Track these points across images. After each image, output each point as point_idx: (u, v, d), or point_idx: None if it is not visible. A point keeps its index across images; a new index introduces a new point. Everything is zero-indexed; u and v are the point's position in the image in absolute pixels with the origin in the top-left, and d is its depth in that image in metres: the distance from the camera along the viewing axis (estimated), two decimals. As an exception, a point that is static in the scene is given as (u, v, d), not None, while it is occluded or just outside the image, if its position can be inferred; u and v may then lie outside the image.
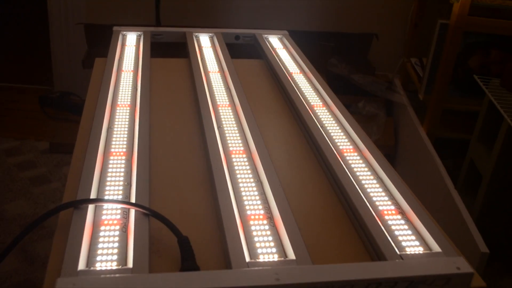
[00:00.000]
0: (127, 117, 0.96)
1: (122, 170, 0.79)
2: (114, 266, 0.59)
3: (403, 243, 0.66)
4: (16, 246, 0.68)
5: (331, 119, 1.02)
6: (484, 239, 1.21)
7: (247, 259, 0.61)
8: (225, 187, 0.74)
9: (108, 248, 0.62)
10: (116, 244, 0.62)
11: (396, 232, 0.68)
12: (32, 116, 2.39)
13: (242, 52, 1.46)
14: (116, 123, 0.94)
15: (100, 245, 0.62)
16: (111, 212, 0.68)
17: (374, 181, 0.80)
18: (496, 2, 1.56)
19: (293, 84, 1.16)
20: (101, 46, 1.27)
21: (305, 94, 1.13)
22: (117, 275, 0.56)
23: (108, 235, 0.64)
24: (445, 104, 1.69)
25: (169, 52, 1.41)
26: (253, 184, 0.77)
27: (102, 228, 0.65)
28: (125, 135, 0.89)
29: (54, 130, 2.24)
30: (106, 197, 0.71)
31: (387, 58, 2.34)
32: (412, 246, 0.66)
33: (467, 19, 1.55)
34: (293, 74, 1.24)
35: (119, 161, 0.81)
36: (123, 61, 1.24)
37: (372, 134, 1.93)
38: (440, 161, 1.55)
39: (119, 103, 1.02)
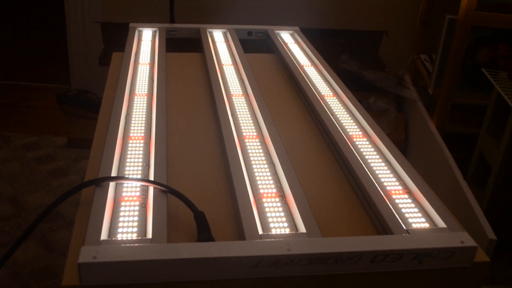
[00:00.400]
0: (145, 105, 1.00)
1: (141, 152, 0.82)
2: (134, 237, 0.62)
3: (410, 220, 0.69)
4: (40, 221, 0.72)
5: (341, 107, 1.05)
6: (493, 229, 1.23)
7: (260, 231, 0.64)
8: (239, 168, 0.77)
9: (128, 221, 0.65)
10: (136, 218, 0.66)
11: (403, 210, 0.71)
12: (50, 113, 2.45)
13: (255, 48, 1.50)
14: (134, 110, 0.98)
15: (121, 219, 0.66)
16: (131, 190, 0.72)
17: (383, 164, 0.83)
18: (504, -3, 1.59)
19: (304, 76, 1.19)
20: (117, 44, 1.31)
21: (316, 84, 1.16)
22: (137, 244, 0.59)
23: (128, 209, 0.68)
24: (454, 98, 1.71)
25: (183, 48, 1.45)
26: (266, 166, 0.80)
27: (123, 203, 0.69)
28: (143, 121, 0.93)
29: (71, 126, 2.29)
30: (126, 176, 0.75)
31: (397, 55, 2.37)
32: (418, 222, 0.68)
33: (474, 14, 1.57)
34: (304, 67, 1.28)
35: (137, 145, 0.85)
36: (139, 55, 1.28)
37: (383, 129, 1.95)
38: (450, 153, 1.57)
39: (136, 92, 1.06)
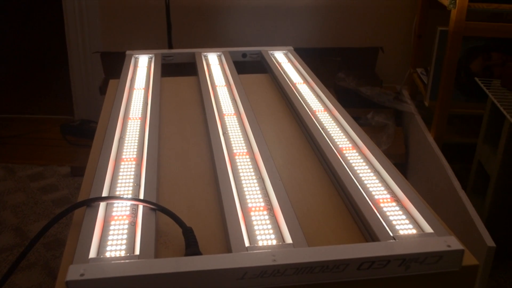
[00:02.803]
0: (138, 128, 1.02)
1: (132, 173, 0.84)
2: (122, 254, 0.63)
3: (397, 226, 0.69)
4: (33, 246, 0.73)
5: (332, 121, 1.06)
6: (494, 238, 1.22)
7: (247, 244, 0.65)
8: (227, 183, 0.78)
9: (117, 239, 0.66)
10: (124, 236, 0.67)
11: (391, 217, 0.71)
12: (54, 143, 2.48)
13: (250, 70, 1.52)
14: (127, 133, 0.99)
15: (110, 237, 0.67)
16: (121, 209, 0.73)
17: (371, 174, 0.84)
18: (491, 7, 1.60)
19: (295, 92, 1.21)
20: (118, 73, 1.34)
21: (307, 100, 1.17)
22: (124, 261, 0.60)
23: (117, 228, 0.69)
24: (450, 109, 1.72)
25: (180, 73, 1.47)
26: (255, 181, 0.81)
27: (112, 222, 0.70)
28: (136, 144, 0.95)
29: (75, 155, 2.32)
30: (116, 196, 0.76)
31: (394, 70, 2.39)
32: (405, 228, 0.69)
33: (465, 24, 1.59)
34: (296, 84, 1.29)
35: (129, 166, 0.86)
36: (135, 80, 1.30)
37: (382, 144, 1.96)
38: (448, 164, 1.57)
39: (130, 116, 1.08)
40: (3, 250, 1.70)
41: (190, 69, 1.49)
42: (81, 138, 2.50)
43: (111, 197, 0.75)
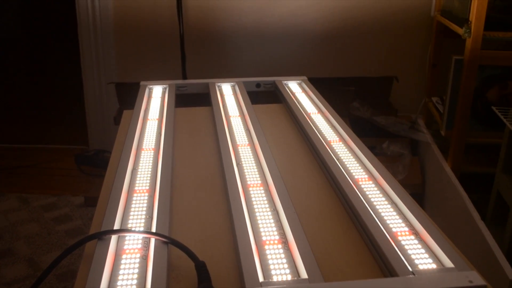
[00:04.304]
0: (151, 159, 1.01)
1: (145, 205, 0.83)
2: (133, 290, 0.62)
3: (416, 261, 0.67)
4: (43, 280, 0.72)
5: (347, 151, 1.05)
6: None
7: (261, 279, 0.63)
8: (241, 215, 0.77)
9: (128, 273, 0.65)
10: (136, 271, 0.65)
11: (409, 251, 0.69)
12: (68, 173, 2.49)
13: (264, 99, 1.52)
14: (140, 164, 0.99)
15: (121, 271, 0.65)
16: (132, 242, 0.72)
17: (389, 206, 0.82)
18: (507, 35, 1.59)
19: (310, 123, 1.20)
20: (132, 103, 1.35)
21: (322, 130, 1.16)
22: (135, 296, 0.59)
23: (129, 262, 0.67)
24: (467, 138, 1.70)
25: (194, 103, 1.48)
26: (269, 213, 0.80)
27: (124, 256, 0.69)
28: (149, 175, 0.94)
29: (89, 185, 2.32)
30: (128, 229, 0.75)
31: (409, 99, 2.37)
32: (424, 263, 0.66)
33: (480, 53, 1.58)
34: (311, 114, 1.28)
35: (142, 198, 0.85)
36: (149, 111, 1.31)
37: (398, 174, 1.94)
38: (466, 194, 1.54)
39: (144, 147, 1.08)
40: (15, 281, 1.69)
41: (204, 99, 1.49)
42: (95, 168, 2.50)
43: (122, 230, 0.73)
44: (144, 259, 0.68)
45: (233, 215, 0.77)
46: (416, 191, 2.02)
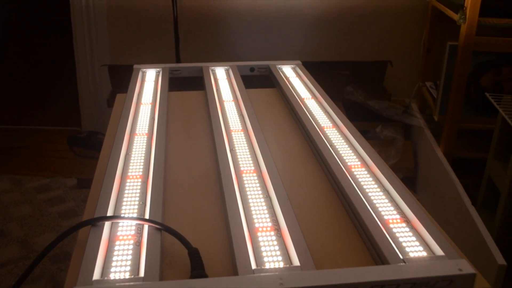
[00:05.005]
0: (144, 144, 1.01)
1: (138, 191, 0.83)
2: (127, 276, 0.62)
3: (407, 248, 0.68)
4: (38, 264, 0.72)
5: (340, 138, 1.05)
6: (504, 254, 1.20)
7: (253, 266, 0.63)
8: (234, 202, 0.77)
9: (122, 260, 0.65)
10: (129, 257, 0.66)
11: (400, 239, 0.70)
12: (61, 155, 2.48)
13: (259, 84, 1.51)
14: (133, 149, 0.99)
15: (114, 258, 0.66)
16: (126, 229, 0.72)
17: (381, 193, 0.82)
18: (502, 22, 1.59)
19: (304, 108, 1.20)
20: (125, 86, 1.34)
21: (316, 116, 1.16)
22: (128, 283, 0.59)
23: (122, 248, 0.68)
24: (460, 123, 1.71)
25: (188, 87, 1.47)
26: (262, 200, 0.80)
27: (117, 243, 0.69)
28: (142, 160, 0.94)
29: (81, 167, 2.32)
30: (121, 215, 0.75)
31: (402, 84, 2.37)
32: (415, 251, 0.67)
33: (475, 39, 1.58)
34: (305, 100, 1.28)
35: (135, 183, 0.85)
36: (142, 95, 1.30)
37: (391, 158, 1.95)
38: (458, 179, 1.55)
39: (137, 132, 1.07)
40: (8, 263, 1.70)
41: (198, 82, 1.48)
42: (88, 150, 2.50)
43: (116, 216, 0.74)
44: (137, 245, 0.68)
45: (226, 201, 0.78)
46: (408, 175, 2.04)
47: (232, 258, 0.67)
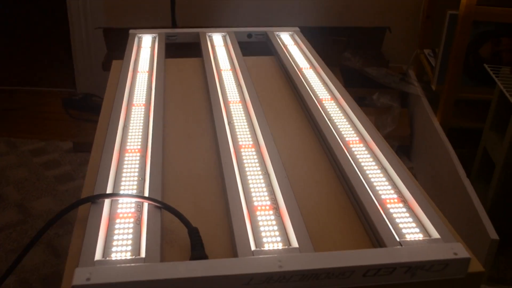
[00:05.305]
0: (142, 115, 1.01)
1: (137, 166, 0.83)
2: (128, 256, 0.63)
3: (403, 230, 0.69)
4: (39, 239, 0.73)
5: (339, 111, 1.05)
6: (497, 226, 1.22)
7: (253, 247, 0.64)
8: (233, 180, 0.78)
9: (122, 239, 0.66)
10: (130, 236, 0.66)
11: (397, 220, 0.71)
12: (56, 118, 2.47)
13: (256, 50, 1.50)
14: (131, 121, 0.98)
15: (115, 237, 0.66)
16: (125, 206, 0.72)
17: (378, 171, 0.83)
18: (504, -9, 1.57)
19: (302, 79, 1.19)
20: (120, 49, 1.32)
21: (314, 88, 1.16)
22: (130, 264, 0.60)
23: (123, 227, 0.68)
24: (457, 93, 1.70)
25: (184, 52, 1.45)
26: (261, 177, 0.80)
27: (118, 221, 0.69)
28: (140, 133, 0.94)
29: (77, 130, 2.31)
30: (121, 192, 0.76)
31: (400, 51, 2.35)
32: (411, 233, 0.68)
33: (475, 8, 1.56)
34: (303, 69, 1.27)
35: (134, 158, 0.85)
36: (138, 62, 1.29)
37: (387, 126, 1.95)
38: (453, 150, 1.56)
39: (134, 102, 1.07)
40: (6, 227, 1.71)
41: (195, 47, 1.46)
42: (83, 112, 2.49)
43: (116, 194, 0.74)
44: (137, 223, 0.69)
45: (226, 180, 0.78)
46: (404, 143, 2.05)
47: (231, 238, 0.68)
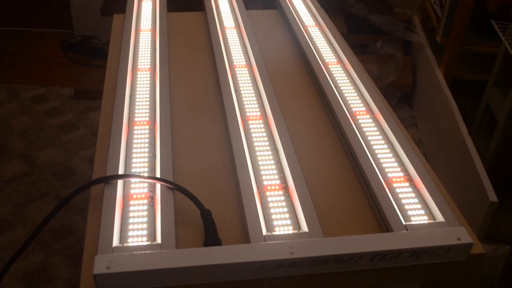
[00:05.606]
0: (148, 83, 1.00)
1: (146, 141, 0.84)
2: (144, 241, 0.65)
3: (409, 212, 0.71)
4: (47, 223, 0.75)
5: (345, 77, 1.05)
6: (496, 183, 1.25)
7: (264, 232, 0.67)
8: (243, 158, 0.79)
9: (138, 223, 0.68)
10: (145, 219, 0.69)
11: (403, 201, 0.73)
12: (56, 61, 2.44)
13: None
14: (138, 89, 0.98)
15: (130, 220, 0.68)
16: (138, 186, 0.74)
17: (385, 146, 0.84)
18: None
19: (307, 39, 1.17)
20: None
21: (320, 49, 1.14)
22: (147, 251, 0.62)
23: (137, 209, 0.70)
24: (463, 46, 1.68)
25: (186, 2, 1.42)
26: (270, 153, 0.82)
27: (132, 202, 0.71)
28: (147, 103, 0.94)
29: (77, 75, 2.29)
30: (133, 170, 0.77)
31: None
32: (417, 215, 0.71)
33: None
34: (308, 28, 1.26)
35: (143, 132, 0.86)
36: (140, 19, 1.26)
37: (390, 75, 1.94)
38: (456, 106, 1.56)
39: (139, 67, 1.06)
40: (13, 179, 1.73)
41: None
42: (82, 56, 2.45)
43: (129, 175, 0.76)
44: (151, 205, 0.71)
45: (235, 158, 0.79)
46: (407, 92, 2.05)
47: (243, 223, 0.70)
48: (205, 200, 0.72)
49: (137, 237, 0.66)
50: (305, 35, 1.20)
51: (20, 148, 1.86)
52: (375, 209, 0.74)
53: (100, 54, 2.39)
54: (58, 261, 1.44)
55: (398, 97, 1.99)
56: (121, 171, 0.77)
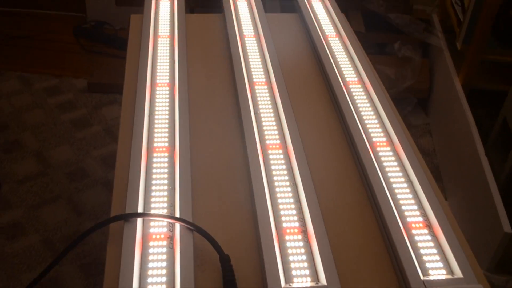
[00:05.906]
0: (167, 100, 1.00)
1: (166, 171, 0.83)
2: (164, 288, 0.66)
3: (427, 264, 0.71)
4: (65, 255, 0.75)
5: (365, 100, 1.03)
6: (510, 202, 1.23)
7: (283, 284, 0.67)
8: (262, 197, 0.79)
9: (157, 268, 0.68)
10: (164, 264, 0.69)
11: (422, 251, 0.73)
12: (68, 49, 2.41)
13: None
14: (156, 108, 0.97)
15: (150, 265, 0.68)
16: (158, 225, 0.74)
17: (405, 185, 0.84)
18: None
19: (328, 53, 1.15)
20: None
21: (341, 66, 1.13)
22: (167, 302, 0.63)
23: (156, 251, 0.70)
24: (483, 55, 1.65)
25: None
26: (289, 189, 0.81)
27: (151, 244, 0.72)
28: (166, 125, 0.93)
29: (90, 65, 2.26)
30: (152, 206, 0.77)
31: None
32: (435, 268, 0.70)
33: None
34: (328, 38, 1.24)
35: (162, 160, 0.86)
36: (158, 23, 1.25)
37: (407, 79, 1.91)
38: (473, 119, 1.54)
39: (158, 81, 1.05)
40: (27, 179, 1.72)
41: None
42: (96, 43, 2.43)
43: (149, 214, 0.75)
44: (170, 248, 0.71)
45: (255, 194, 0.79)
46: (422, 96, 2.02)
47: (262, 271, 0.70)
48: (223, 238, 0.72)
49: (157, 285, 0.66)
50: (326, 47, 1.18)
51: (34, 145, 1.85)
52: (393, 258, 0.73)
53: (113, 42, 2.37)
54: (70, 271, 1.45)
55: (415, 104, 1.97)
56: (140, 205, 0.77)
